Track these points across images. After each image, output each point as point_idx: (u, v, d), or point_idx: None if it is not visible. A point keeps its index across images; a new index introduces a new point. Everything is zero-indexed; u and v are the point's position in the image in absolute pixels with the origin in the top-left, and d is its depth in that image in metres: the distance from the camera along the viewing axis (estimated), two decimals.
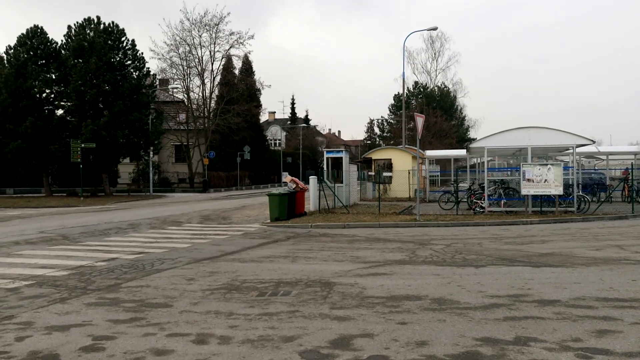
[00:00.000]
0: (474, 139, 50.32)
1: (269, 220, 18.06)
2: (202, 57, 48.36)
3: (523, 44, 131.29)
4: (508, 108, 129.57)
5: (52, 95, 38.93)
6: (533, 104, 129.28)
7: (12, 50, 37.98)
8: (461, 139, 61.89)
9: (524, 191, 17.45)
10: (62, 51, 38.87)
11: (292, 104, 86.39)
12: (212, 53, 48.58)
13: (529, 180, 17.18)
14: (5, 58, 38.62)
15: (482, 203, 18.74)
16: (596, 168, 34.06)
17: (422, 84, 69.08)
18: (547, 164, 17.74)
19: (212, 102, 50.38)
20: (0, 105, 35.96)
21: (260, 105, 60.18)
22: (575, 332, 5.30)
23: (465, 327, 5.56)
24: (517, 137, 18.01)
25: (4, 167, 41.89)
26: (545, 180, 17.06)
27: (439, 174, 38.11)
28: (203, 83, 49.08)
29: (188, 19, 49.06)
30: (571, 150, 19.51)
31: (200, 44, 47.71)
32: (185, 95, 49.07)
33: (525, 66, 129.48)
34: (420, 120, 17.83)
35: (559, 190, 17.11)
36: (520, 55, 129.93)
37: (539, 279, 7.90)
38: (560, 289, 7.18)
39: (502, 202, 18.70)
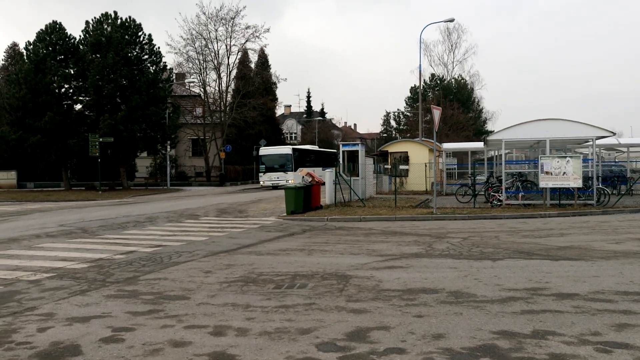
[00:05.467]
0: (491, 132, 49.83)
1: (285, 214, 18.12)
2: (218, 51, 48.53)
3: (541, 34, 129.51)
4: (526, 100, 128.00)
5: (71, 90, 39.39)
6: (552, 95, 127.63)
7: (31, 46, 38.47)
8: (478, 131, 61.30)
9: (542, 184, 17.28)
10: (80, 46, 39.26)
11: (308, 97, 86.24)
12: (228, 47, 48.71)
13: (547, 172, 17.00)
14: (25, 54, 39.16)
15: (499, 196, 18.59)
16: (616, 160, 33.56)
17: (438, 76, 68.58)
18: (565, 157, 17.53)
19: (229, 96, 50.55)
20: (20, 101, 36.47)
21: (276, 99, 60.23)
22: (595, 326, 5.25)
23: (482, 320, 5.54)
24: (535, 129, 17.82)
25: (24, 162, 42.55)
26: (564, 172, 16.87)
27: (455, 166, 37.87)
28: (219, 77, 49.26)
29: (204, 13, 49.35)
30: (590, 143, 19.25)
31: (216, 38, 47.84)
32: (202, 89, 49.31)
33: (544, 56, 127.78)
34: (437, 113, 17.71)
35: (578, 183, 16.92)
36: (538, 45, 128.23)
37: (557, 273, 7.83)
38: (579, 283, 7.11)
39: (520, 195, 18.53)
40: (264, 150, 39.57)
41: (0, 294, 7.36)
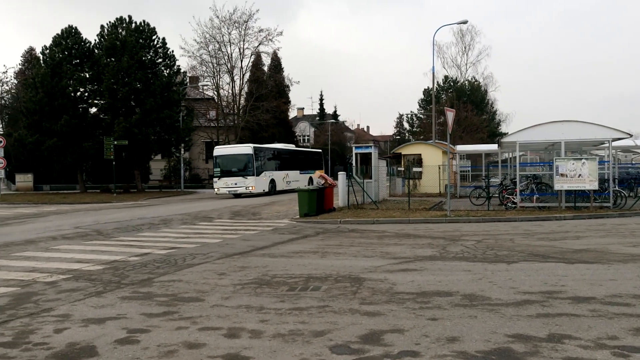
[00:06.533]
0: (505, 134, 49.50)
1: (298, 216, 18.14)
2: (231, 55, 48.68)
3: (555, 35, 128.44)
4: (540, 101, 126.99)
5: (86, 94, 39.87)
6: (567, 96, 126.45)
7: (47, 51, 39.00)
8: (492, 133, 60.93)
9: (557, 186, 17.12)
10: (96, 50, 39.73)
11: (321, 99, 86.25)
12: (242, 50, 48.86)
13: (562, 175, 16.85)
14: (41, 58, 39.69)
15: (514, 198, 18.45)
16: (633, 162, 33.17)
17: (452, 78, 68.29)
18: (581, 159, 17.36)
19: (242, 99, 50.72)
20: (37, 104, 36.96)
21: (289, 102, 60.32)
22: (612, 330, 5.19)
23: (497, 323, 5.50)
24: (550, 131, 17.66)
25: (41, 165, 43.07)
26: (580, 175, 16.71)
27: (469, 169, 37.64)
28: (232, 80, 49.43)
29: (218, 17, 49.23)
30: (606, 144, 19.04)
31: (229, 41, 47.99)
32: (215, 93, 49.52)
33: (559, 57, 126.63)
34: (450, 115, 17.63)
35: (594, 185, 16.74)
36: (553, 46, 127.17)
37: (573, 276, 7.75)
38: (595, 286, 7.03)
39: (535, 198, 18.38)
40: (219, 150, 32.88)
41: (18, 295, 7.45)
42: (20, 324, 5.96)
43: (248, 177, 30.81)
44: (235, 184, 30.97)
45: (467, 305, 6.22)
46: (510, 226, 14.55)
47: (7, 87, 47.86)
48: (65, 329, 5.72)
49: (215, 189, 32.03)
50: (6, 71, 61.52)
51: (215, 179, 32.16)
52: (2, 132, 45.72)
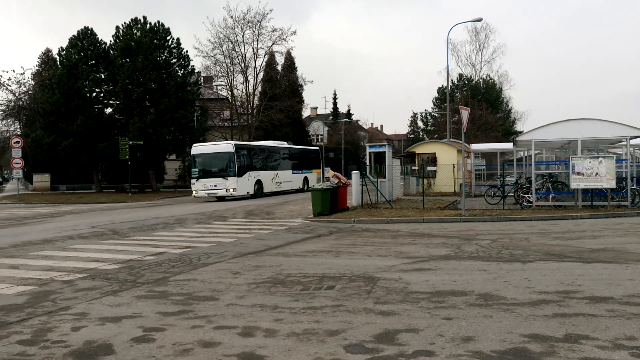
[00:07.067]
0: (520, 132, 49.17)
1: (311, 215, 18.15)
2: (245, 54, 48.85)
3: (571, 32, 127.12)
4: (556, 99, 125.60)
5: (102, 95, 40.28)
6: (583, 94, 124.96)
7: (64, 52, 39.46)
8: (507, 132, 60.51)
9: (573, 185, 16.95)
10: (111, 51, 40.10)
11: (334, 98, 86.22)
12: (255, 50, 49.01)
13: (578, 173, 16.68)
14: (58, 59, 40.16)
15: (529, 197, 18.29)
16: None
17: (466, 76, 67.93)
18: (598, 157, 17.17)
19: (256, 98, 50.88)
20: (53, 105, 37.41)
21: (303, 101, 60.39)
22: (630, 331, 5.12)
23: (513, 323, 5.46)
24: (566, 129, 17.49)
25: (57, 165, 43.66)
26: (597, 173, 16.52)
27: (484, 167, 37.37)
28: (246, 80, 49.60)
29: (231, 17, 49.49)
30: (624, 142, 18.80)
31: (243, 41, 48.17)
32: (229, 92, 49.73)
33: (575, 55, 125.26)
34: (465, 113, 17.53)
35: (611, 184, 16.55)
36: (569, 43, 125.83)
37: (590, 275, 7.66)
38: (613, 286, 6.95)
39: (551, 197, 18.21)
40: (197, 148, 29.61)
41: (36, 293, 7.55)
42: (38, 322, 6.04)
43: (229, 177, 27.88)
44: (215, 185, 28.07)
45: (482, 305, 6.18)
46: (526, 225, 14.43)
47: (24, 89, 48.54)
48: (83, 327, 5.78)
49: (194, 192, 29.12)
50: (24, 72, 62.56)
51: (193, 181, 29.22)
52: (20, 133, 46.43)
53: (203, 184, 28.30)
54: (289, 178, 34.19)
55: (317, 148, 41.62)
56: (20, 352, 5.03)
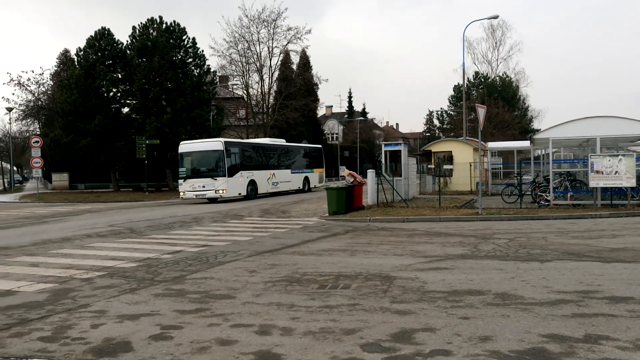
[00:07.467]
0: (537, 130, 48.63)
1: (327, 214, 18.16)
2: (260, 53, 48.97)
3: (589, 28, 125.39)
4: (574, 97, 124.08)
5: (119, 94, 40.67)
6: (602, 91, 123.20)
7: (82, 52, 39.91)
8: (524, 130, 59.95)
9: (592, 183, 16.74)
10: (127, 51, 40.45)
11: (349, 97, 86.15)
12: (270, 49, 49.10)
13: (597, 172, 16.46)
14: (75, 59, 40.64)
15: (547, 196, 18.11)
16: None
17: (482, 74, 67.45)
18: (617, 155, 16.92)
19: (271, 97, 51.00)
20: (71, 105, 37.87)
21: (318, 100, 60.47)
22: None
23: (531, 322, 5.41)
24: (585, 127, 17.27)
25: (76, 164, 44.16)
26: (616, 172, 16.29)
27: (501, 166, 37.06)
28: (262, 79, 49.74)
29: (246, 16, 49.61)
30: None
31: (258, 40, 48.29)
32: (245, 92, 49.89)
33: (593, 51, 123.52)
34: (481, 111, 17.40)
35: (632, 183, 16.31)
36: (587, 39, 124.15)
37: (609, 275, 7.57)
38: (633, 286, 6.85)
39: (569, 195, 18.00)
40: (185, 146, 27.56)
41: (56, 291, 7.66)
42: (58, 319, 6.13)
43: (218, 178, 26.04)
44: (203, 186, 26.25)
45: (499, 305, 6.14)
46: (544, 224, 14.28)
47: (43, 89, 49.20)
48: (102, 325, 5.85)
49: (181, 193, 27.18)
50: (42, 73, 63.42)
51: (180, 181, 27.24)
52: (39, 133, 47.06)
53: (191, 185, 26.62)
54: (288, 178, 32.53)
55: (320, 146, 39.61)
56: (42, 349, 5.11)
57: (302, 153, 35.74)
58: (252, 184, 28.42)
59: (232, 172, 26.58)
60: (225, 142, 27.00)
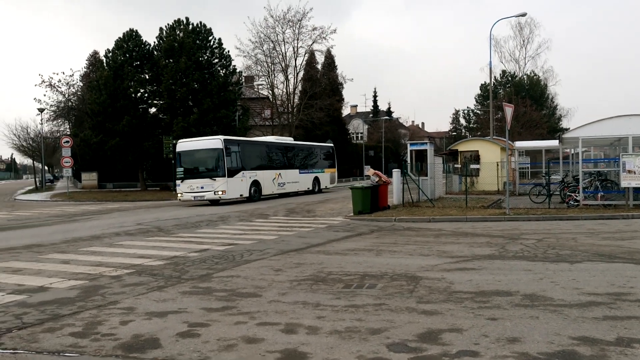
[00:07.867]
0: (566, 129, 47.78)
1: (352, 214, 18.13)
2: (285, 53, 49.16)
3: (620, 24, 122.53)
4: (605, 95, 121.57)
5: (146, 95, 41.26)
6: (633, 89, 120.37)
7: (110, 54, 40.58)
8: (552, 129, 58.94)
9: (624, 183, 16.38)
10: (155, 52, 40.99)
11: (374, 96, 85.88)
12: (296, 49, 49.26)
13: (629, 171, 16.10)
14: (104, 61, 41.35)
15: (576, 196, 17.77)
16: None
17: (510, 72, 66.61)
18: None
19: (296, 97, 51.16)
20: (100, 106, 38.55)
21: (342, 99, 60.37)
22: None
23: (560, 325, 5.32)
24: (616, 126, 16.91)
25: (104, 164, 44.95)
26: None
27: (529, 165, 36.50)
28: (287, 79, 49.93)
29: (272, 16, 49.83)
30: None
31: (283, 40, 48.51)
32: (270, 92, 50.13)
33: (624, 48, 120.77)
34: (509, 110, 17.16)
35: None
36: (617, 36, 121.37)
37: None
38: None
39: (599, 195, 17.64)
40: (183, 145, 26.02)
41: (86, 287, 7.81)
42: (89, 315, 6.25)
43: (217, 178, 24.57)
44: (202, 187, 24.83)
45: (527, 306, 6.05)
46: (573, 225, 14.02)
47: (73, 90, 50.14)
48: (130, 321, 5.94)
49: (178, 194, 25.83)
50: (72, 74, 64.38)
51: (178, 182, 25.75)
52: (69, 133, 48.00)
53: (189, 186, 25.15)
54: (296, 178, 30.88)
55: (332, 144, 38.23)
56: (73, 344, 5.21)
57: (312, 152, 34.17)
58: (256, 184, 26.96)
59: (232, 172, 25.23)
60: (224, 139, 25.36)
